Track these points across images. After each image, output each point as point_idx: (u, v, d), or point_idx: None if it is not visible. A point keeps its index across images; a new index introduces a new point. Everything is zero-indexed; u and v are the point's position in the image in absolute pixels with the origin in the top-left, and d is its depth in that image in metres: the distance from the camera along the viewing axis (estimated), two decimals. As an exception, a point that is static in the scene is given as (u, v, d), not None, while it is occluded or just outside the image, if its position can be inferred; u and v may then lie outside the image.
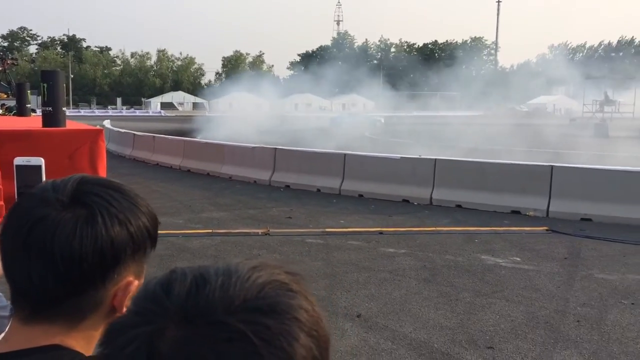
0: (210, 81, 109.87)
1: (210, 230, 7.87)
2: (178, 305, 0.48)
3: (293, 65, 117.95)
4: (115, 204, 0.78)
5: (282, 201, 10.52)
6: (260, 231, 7.84)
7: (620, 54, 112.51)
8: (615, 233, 7.82)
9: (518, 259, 6.62)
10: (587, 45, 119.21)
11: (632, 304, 5.10)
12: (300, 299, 0.51)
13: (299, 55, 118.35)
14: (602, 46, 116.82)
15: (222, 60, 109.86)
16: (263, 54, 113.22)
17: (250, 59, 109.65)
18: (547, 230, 8.06)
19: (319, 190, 11.56)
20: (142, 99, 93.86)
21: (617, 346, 4.21)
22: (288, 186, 12.11)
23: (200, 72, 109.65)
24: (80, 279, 0.75)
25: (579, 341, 4.30)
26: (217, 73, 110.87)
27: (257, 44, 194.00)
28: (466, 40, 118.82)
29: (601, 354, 4.09)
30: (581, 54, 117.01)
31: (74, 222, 0.75)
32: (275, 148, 12.93)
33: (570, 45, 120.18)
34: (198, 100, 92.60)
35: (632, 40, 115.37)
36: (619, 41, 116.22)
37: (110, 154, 17.70)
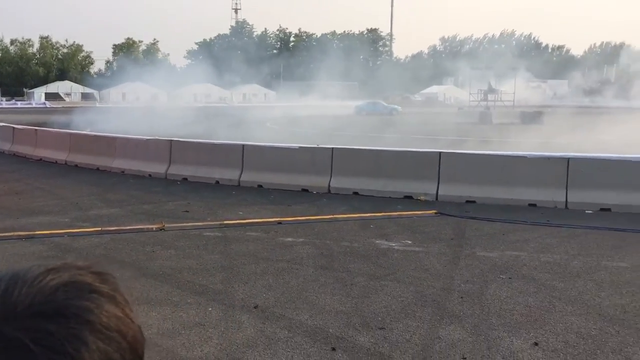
0: (100, 70, 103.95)
1: (100, 228, 7.47)
2: None
3: (190, 54, 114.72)
4: None
5: (179, 195, 10.23)
6: (154, 227, 7.57)
7: (503, 45, 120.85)
8: (496, 213, 8.42)
9: (409, 241, 6.93)
10: (473, 38, 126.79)
11: (510, 278, 5.52)
12: (103, 300, 0.49)
13: (196, 43, 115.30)
14: (487, 38, 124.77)
15: (113, 47, 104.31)
16: (157, 41, 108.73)
17: (144, 47, 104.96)
18: (436, 213, 8.51)
19: (217, 182, 11.37)
20: (24, 90, 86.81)
21: (495, 318, 4.55)
22: (185, 179, 11.80)
23: (88, 60, 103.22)
24: None
25: (462, 316, 4.59)
26: (107, 61, 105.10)
27: (151, 31, 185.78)
28: (363, 32, 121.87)
29: (482, 326, 4.39)
30: (468, 46, 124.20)
31: None
32: (171, 140, 12.53)
33: (459, 37, 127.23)
34: (87, 90, 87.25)
35: (513, 32, 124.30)
36: (501, 33, 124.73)
37: (-13, 150, 16.24)
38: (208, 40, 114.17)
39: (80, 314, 0.46)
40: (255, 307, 4.80)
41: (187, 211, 8.77)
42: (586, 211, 8.62)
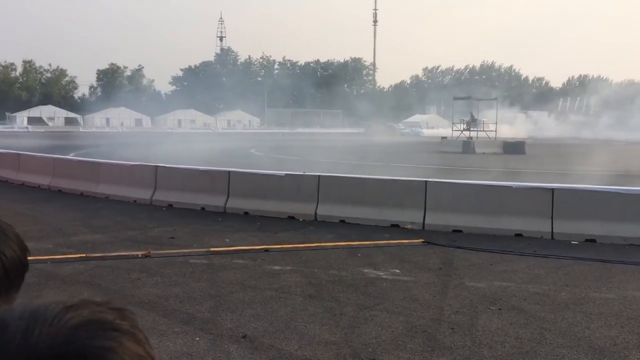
0: (84, 95, 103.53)
1: (84, 255, 7.33)
2: None
3: (175, 80, 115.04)
4: None
5: (164, 221, 10.12)
6: (140, 253, 7.45)
7: (484, 76, 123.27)
8: (483, 243, 8.45)
9: (398, 271, 6.90)
10: (454, 69, 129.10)
11: (499, 309, 5.51)
12: (124, 338, 0.48)
13: (181, 70, 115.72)
14: (468, 69, 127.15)
15: (97, 73, 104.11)
16: (142, 67, 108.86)
17: (128, 73, 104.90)
18: (423, 242, 8.51)
19: (203, 208, 11.29)
20: (7, 114, 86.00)
21: (487, 350, 4.52)
22: (171, 205, 11.69)
23: (72, 85, 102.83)
24: None
25: (453, 347, 4.56)
26: (91, 87, 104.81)
27: (136, 57, 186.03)
28: (347, 60, 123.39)
29: (473, 358, 4.36)
30: (450, 77, 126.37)
31: None
32: (157, 166, 12.44)
33: (440, 68, 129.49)
34: (71, 115, 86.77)
35: (492, 64, 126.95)
36: (481, 65, 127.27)
37: (-34, 173, 15.97)
38: (193, 67, 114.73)
39: (102, 354, 0.46)
40: (243, 337, 4.71)
41: (173, 238, 8.66)
42: (572, 242, 8.69)
